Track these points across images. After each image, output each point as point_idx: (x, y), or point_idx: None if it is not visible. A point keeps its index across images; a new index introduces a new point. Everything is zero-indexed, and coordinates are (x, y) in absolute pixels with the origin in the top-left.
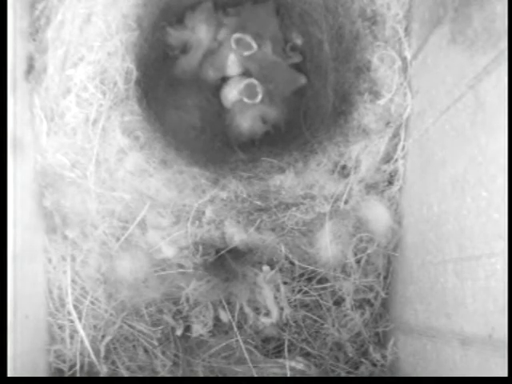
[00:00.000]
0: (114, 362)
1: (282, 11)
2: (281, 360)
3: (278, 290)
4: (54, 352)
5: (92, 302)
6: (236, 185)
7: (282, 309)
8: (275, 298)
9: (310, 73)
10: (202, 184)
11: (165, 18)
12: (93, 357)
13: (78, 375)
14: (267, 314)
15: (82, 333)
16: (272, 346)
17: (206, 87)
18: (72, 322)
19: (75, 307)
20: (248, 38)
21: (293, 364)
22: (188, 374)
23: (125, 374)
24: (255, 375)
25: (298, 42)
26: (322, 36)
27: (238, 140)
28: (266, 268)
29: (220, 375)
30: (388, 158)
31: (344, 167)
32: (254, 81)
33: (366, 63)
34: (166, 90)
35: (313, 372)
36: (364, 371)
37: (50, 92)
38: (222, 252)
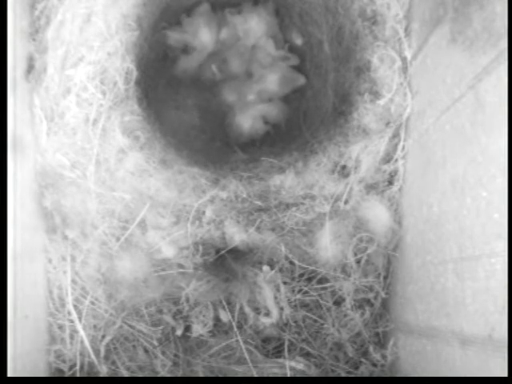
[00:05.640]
0: (114, 362)
1: (282, 11)
2: (281, 360)
3: (278, 290)
4: (54, 352)
5: (92, 302)
6: (236, 185)
7: (282, 309)
8: (275, 298)
9: (310, 73)
10: (202, 184)
11: (165, 18)
12: (93, 357)
13: (78, 375)
14: (267, 314)
15: (82, 333)
16: (272, 346)
17: (206, 87)
18: (72, 322)
19: (75, 307)
20: None
21: (293, 364)
22: (188, 374)
23: (125, 373)
24: (255, 375)
25: (298, 42)
26: (322, 36)
27: (239, 140)
28: (266, 268)
29: (220, 375)
30: (388, 158)
31: (344, 167)
32: None
33: (366, 63)
34: (166, 90)
35: (313, 372)
36: (364, 371)
37: (50, 92)
38: (222, 252)
